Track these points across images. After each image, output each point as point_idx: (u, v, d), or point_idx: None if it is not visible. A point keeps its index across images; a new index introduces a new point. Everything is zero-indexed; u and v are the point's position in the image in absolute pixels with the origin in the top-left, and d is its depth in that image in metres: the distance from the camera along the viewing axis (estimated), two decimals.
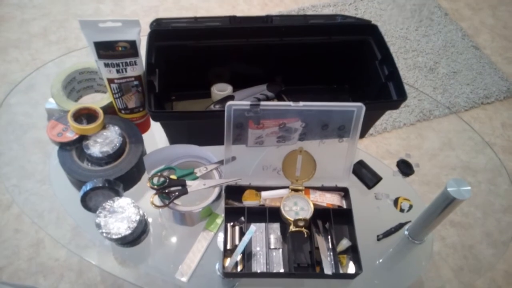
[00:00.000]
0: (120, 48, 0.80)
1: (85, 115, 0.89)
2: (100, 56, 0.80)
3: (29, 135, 1.17)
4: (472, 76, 1.89)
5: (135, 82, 0.87)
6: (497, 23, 2.19)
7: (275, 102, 1.06)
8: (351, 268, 0.81)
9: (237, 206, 0.87)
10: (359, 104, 0.80)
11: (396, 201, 0.95)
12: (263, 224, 0.86)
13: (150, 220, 0.88)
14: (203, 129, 0.92)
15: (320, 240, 0.82)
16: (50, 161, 0.96)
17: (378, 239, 0.90)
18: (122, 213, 0.78)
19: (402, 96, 0.88)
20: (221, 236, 0.84)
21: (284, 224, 0.85)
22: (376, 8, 2.15)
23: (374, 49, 1.00)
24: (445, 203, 0.77)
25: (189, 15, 1.97)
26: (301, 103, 0.79)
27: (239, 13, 1.72)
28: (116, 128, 0.88)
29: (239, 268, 0.79)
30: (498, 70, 1.93)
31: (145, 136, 0.94)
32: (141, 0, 2.10)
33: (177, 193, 0.82)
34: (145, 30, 0.89)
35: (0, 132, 1.11)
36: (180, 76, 1.03)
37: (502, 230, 1.18)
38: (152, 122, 0.98)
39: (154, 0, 2.10)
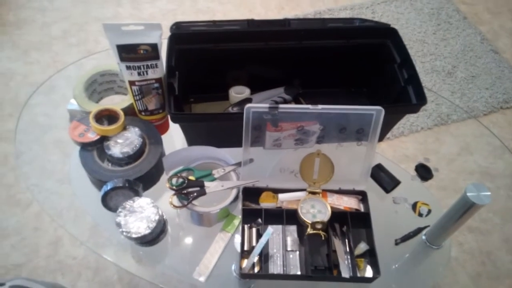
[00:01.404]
0: (141, 51, 0.81)
1: (106, 117, 0.90)
2: (122, 59, 0.82)
3: (49, 135, 1.19)
4: (491, 80, 1.87)
5: (156, 85, 0.88)
6: None
7: (294, 105, 1.06)
8: (369, 272, 0.81)
9: (254, 208, 0.87)
10: (379, 107, 0.79)
11: (414, 206, 0.95)
12: (280, 226, 0.86)
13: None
14: (221, 131, 0.92)
15: (337, 243, 0.82)
16: (70, 161, 0.98)
17: (396, 244, 0.89)
18: (142, 212, 0.80)
19: (421, 100, 0.87)
20: (238, 237, 0.85)
21: (301, 227, 0.85)
22: (393, 11, 2.14)
23: (393, 52, 0.99)
24: (464, 208, 0.76)
25: (206, 18, 2.00)
26: (320, 106, 0.80)
27: (256, 16, 1.73)
28: (136, 129, 0.90)
29: (256, 269, 0.80)
30: None
31: (164, 137, 0.96)
32: (159, 3, 2.12)
33: (195, 194, 0.83)
34: (164, 33, 0.90)
35: (21, 133, 1.13)
36: (199, 79, 1.04)
37: None
38: (171, 124, 0.99)
39: (172, 4, 2.13)
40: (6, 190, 1.44)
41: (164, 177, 0.93)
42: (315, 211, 0.83)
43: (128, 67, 0.83)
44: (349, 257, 0.82)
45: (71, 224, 1.20)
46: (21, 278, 0.78)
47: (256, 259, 0.79)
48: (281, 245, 0.84)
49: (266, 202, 0.88)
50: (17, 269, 1.29)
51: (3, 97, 1.69)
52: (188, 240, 0.90)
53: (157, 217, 0.79)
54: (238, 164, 0.89)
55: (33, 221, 1.38)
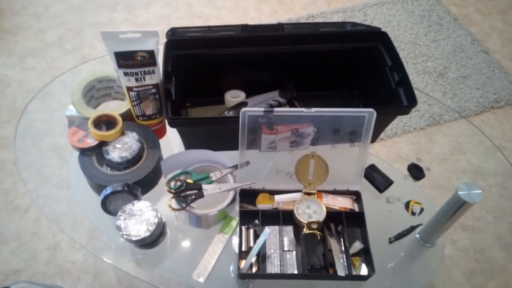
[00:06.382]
0: (139, 58, 0.83)
1: (104, 122, 0.92)
2: (120, 66, 0.83)
3: (46, 141, 1.20)
4: (481, 80, 1.90)
5: (153, 90, 0.90)
6: (506, 27, 2.20)
7: (288, 108, 1.08)
8: (364, 270, 0.82)
9: (251, 209, 0.89)
10: (371, 109, 0.81)
11: (407, 205, 0.97)
12: (276, 227, 0.87)
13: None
14: (218, 134, 0.94)
15: (333, 243, 0.83)
16: (68, 166, 1.00)
17: (390, 242, 0.91)
18: (141, 216, 0.81)
19: (412, 101, 0.90)
20: (235, 238, 0.86)
21: (297, 227, 0.87)
22: (385, 14, 2.17)
23: (384, 55, 1.01)
24: (456, 206, 0.78)
25: (201, 23, 2.02)
26: (314, 109, 0.81)
27: (249, 20, 1.75)
28: (134, 134, 0.91)
29: (254, 269, 0.81)
30: (508, 75, 1.94)
31: (161, 141, 0.97)
32: (153, 9, 2.14)
33: (193, 197, 0.84)
34: (159, 38, 0.92)
35: (19, 138, 1.14)
36: (195, 84, 1.05)
37: None
38: (168, 128, 1.01)
39: (166, 9, 2.14)
40: (4, 195, 1.45)
41: (162, 181, 0.95)
42: (311, 212, 0.85)
43: (125, 74, 0.85)
44: (344, 256, 0.83)
45: (69, 229, 1.21)
46: (24, 282, 0.80)
47: (253, 259, 0.81)
48: (278, 245, 0.85)
49: (262, 204, 0.89)
50: (16, 274, 1.30)
51: (0, 104, 1.70)
52: (187, 242, 0.92)
53: (156, 220, 0.81)
54: (235, 167, 0.90)
55: (32, 227, 1.39)
